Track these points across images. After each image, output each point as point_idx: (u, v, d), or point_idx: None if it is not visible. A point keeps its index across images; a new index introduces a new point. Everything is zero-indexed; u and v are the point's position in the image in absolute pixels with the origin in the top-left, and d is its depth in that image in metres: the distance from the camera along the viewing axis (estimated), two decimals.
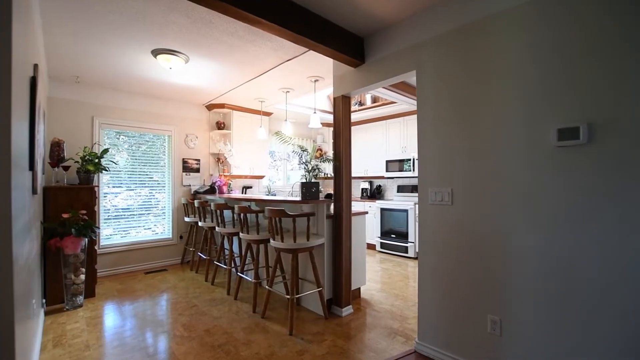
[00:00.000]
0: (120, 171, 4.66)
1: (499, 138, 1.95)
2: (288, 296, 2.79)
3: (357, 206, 6.32)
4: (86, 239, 3.38)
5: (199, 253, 4.63)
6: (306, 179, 2.99)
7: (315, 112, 4.07)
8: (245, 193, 5.82)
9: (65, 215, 3.25)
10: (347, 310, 3.12)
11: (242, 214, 3.30)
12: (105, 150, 4.05)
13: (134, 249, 4.74)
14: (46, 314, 3.15)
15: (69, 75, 3.93)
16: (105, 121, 4.49)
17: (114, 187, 4.62)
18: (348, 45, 2.76)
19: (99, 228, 3.70)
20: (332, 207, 3.23)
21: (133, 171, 4.79)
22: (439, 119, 2.28)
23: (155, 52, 3.21)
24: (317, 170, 2.99)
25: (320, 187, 6.93)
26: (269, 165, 6.41)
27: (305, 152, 3.06)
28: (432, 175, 2.33)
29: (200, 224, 4.39)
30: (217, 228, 3.88)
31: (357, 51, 2.85)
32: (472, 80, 2.08)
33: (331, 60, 3.34)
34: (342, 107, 3.13)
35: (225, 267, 3.85)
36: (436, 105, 2.30)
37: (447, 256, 2.22)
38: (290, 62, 3.47)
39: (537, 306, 1.79)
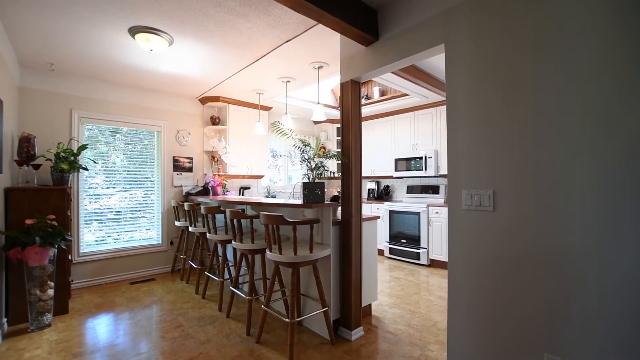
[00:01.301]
0: (106, 171, 4.21)
1: (565, 126, 1.47)
2: (287, 319, 2.32)
3: (363, 209, 5.84)
4: (55, 249, 2.92)
5: (190, 262, 4.17)
6: (309, 178, 2.52)
7: (318, 104, 3.60)
8: (242, 194, 5.36)
9: (28, 222, 2.80)
10: (357, 333, 2.65)
11: (234, 220, 2.84)
12: (83, 147, 3.60)
13: (119, 257, 4.29)
14: (5, 336, 2.70)
15: (42, 62, 3.48)
16: (85, 115, 4.04)
17: (100, 188, 4.17)
18: (359, 17, 2.29)
19: (70, 235, 3.25)
20: (339, 211, 2.76)
21: (118, 171, 4.33)
22: (476, 105, 1.81)
23: (133, 31, 2.75)
24: (321, 169, 2.52)
25: (324, 188, 6.45)
26: (269, 165, 5.96)
27: (308, 147, 2.59)
28: (466, 173, 1.86)
29: (190, 229, 3.94)
30: (208, 234, 3.42)
31: (370, 25, 2.38)
32: (526, 55, 1.61)
33: (337, 43, 2.88)
34: (351, 94, 2.67)
35: (217, 279, 3.39)
36: (473, 87, 1.83)
37: (489, 277, 1.74)
38: (290, 44, 3.00)
39: (612, 348, 1.32)
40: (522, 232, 1.61)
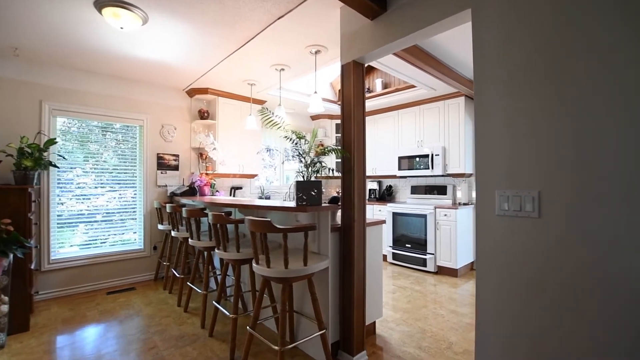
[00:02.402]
0: (82, 169, 3.81)
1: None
2: (277, 347, 1.92)
3: None
4: (9, 258, 2.52)
5: (173, 270, 3.77)
6: (303, 177, 2.13)
7: (315, 93, 3.20)
8: (234, 195, 4.96)
9: None
10: (360, 358, 2.26)
11: (217, 225, 2.44)
12: (51, 142, 3.20)
13: (96, 264, 3.88)
14: None
15: (3, 46, 3.07)
16: (58, 107, 3.64)
17: (77, 187, 3.76)
18: None
19: (31, 241, 2.85)
20: (339, 215, 2.37)
21: (95, 169, 3.93)
22: (514, 87, 1.42)
23: (99, 5, 2.35)
24: (318, 165, 2.12)
25: (322, 188, 6.07)
26: (264, 164, 5.56)
27: (303, 140, 2.20)
28: (500, 170, 1.47)
29: (173, 233, 3.54)
30: (190, 240, 3.02)
31: None
32: (595, 18, 1.22)
33: (337, 22, 2.50)
34: (353, 78, 2.27)
35: (199, 290, 2.99)
36: (509, 64, 1.43)
37: (533, 307, 1.35)
38: (283, 23, 2.61)
39: None
40: (580, 247, 1.22)
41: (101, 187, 3.97)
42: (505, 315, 1.43)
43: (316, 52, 3.12)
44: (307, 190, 2.05)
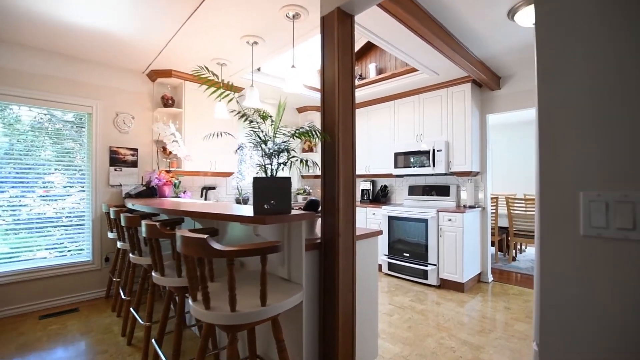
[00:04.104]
0: (14, 165, 3.10)
1: None
2: None
3: (356, 215, 4.80)
4: None
5: (120, 289, 3.07)
6: (265, 172, 1.47)
7: (293, 67, 2.53)
8: (205, 197, 4.28)
9: None
10: None
11: (152, 240, 1.78)
12: None
13: (28, 280, 3.17)
14: None
15: None
16: None
17: (6, 187, 3.05)
18: None
19: None
20: (317, 226, 1.73)
21: (28, 164, 3.22)
22: (605, 27, 0.79)
23: None
24: (287, 154, 1.47)
25: (307, 191, 5.36)
26: (249, 161, 4.87)
27: (268, 120, 1.55)
28: (586, 157, 0.84)
29: (119, 244, 2.86)
30: (131, 255, 2.35)
31: None
32: None
33: None
34: (338, 33, 1.63)
35: (142, 322, 2.31)
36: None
37: None
38: None
39: None
40: None
41: (38, 188, 3.25)
42: None
43: (294, 16, 2.46)
44: (269, 192, 1.39)
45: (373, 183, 5.29)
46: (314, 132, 1.48)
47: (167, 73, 3.78)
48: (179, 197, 3.77)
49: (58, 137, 3.38)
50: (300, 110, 5.54)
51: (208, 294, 1.27)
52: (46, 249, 3.32)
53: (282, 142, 1.45)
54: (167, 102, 3.91)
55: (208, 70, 1.56)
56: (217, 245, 1.20)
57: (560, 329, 0.86)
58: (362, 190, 5.24)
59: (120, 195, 3.70)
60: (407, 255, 4.13)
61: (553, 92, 0.89)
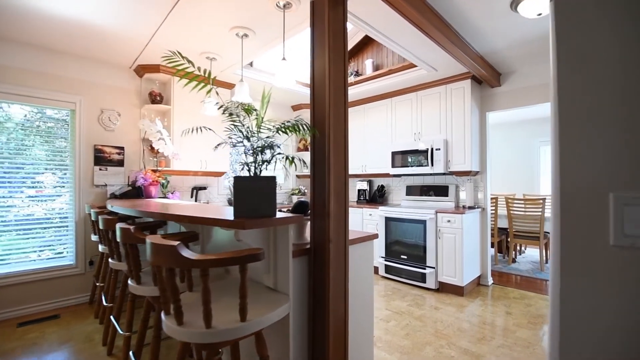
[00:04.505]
0: None
1: None
2: None
3: (351, 216, 4.67)
4: None
5: (102, 295, 2.91)
6: (249, 170, 1.33)
7: (284, 59, 2.38)
8: (196, 197, 4.13)
9: None
10: None
11: (127, 245, 1.63)
12: None
13: (7, 285, 3.01)
14: None
15: None
16: None
17: None
18: None
19: None
20: (306, 230, 1.59)
21: (10, 164, 3.05)
22: None
23: None
24: (272, 150, 1.33)
25: (303, 191, 5.20)
26: (240, 159, 4.72)
27: (252, 114, 1.40)
28: (617, 152, 0.70)
29: (100, 248, 2.71)
30: (110, 260, 2.20)
31: None
32: None
33: None
34: (329, 17, 1.49)
35: (121, 332, 2.16)
36: None
37: None
38: None
39: None
40: None
41: (17, 187, 3.09)
42: None
43: (284, 6, 2.31)
44: (251, 193, 1.25)
45: (370, 183, 5.15)
46: (301, 127, 1.33)
47: (155, 68, 3.62)
48: (167, 197, 3.61)
49: (38, 134, 3.22)
50: (295, 108, 5.40)
51: (180, 307, 1.12)
52: (25, 252, 3.15)
53: (267, 137, 1.31)
54: (155, 98, 3.75)
55: (182, 57, 1.40)
56: (188, 254, 1.05)
57: (582, 345, 0.72)
58: (359, 191, 5.10)
59: (106, 195, 3.54)
60: (405, 257, 3.99)
61: (577, 83, 0.75)
